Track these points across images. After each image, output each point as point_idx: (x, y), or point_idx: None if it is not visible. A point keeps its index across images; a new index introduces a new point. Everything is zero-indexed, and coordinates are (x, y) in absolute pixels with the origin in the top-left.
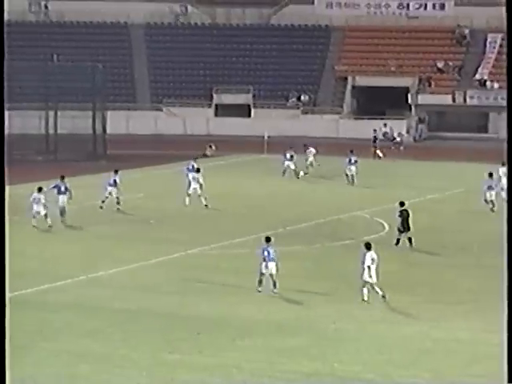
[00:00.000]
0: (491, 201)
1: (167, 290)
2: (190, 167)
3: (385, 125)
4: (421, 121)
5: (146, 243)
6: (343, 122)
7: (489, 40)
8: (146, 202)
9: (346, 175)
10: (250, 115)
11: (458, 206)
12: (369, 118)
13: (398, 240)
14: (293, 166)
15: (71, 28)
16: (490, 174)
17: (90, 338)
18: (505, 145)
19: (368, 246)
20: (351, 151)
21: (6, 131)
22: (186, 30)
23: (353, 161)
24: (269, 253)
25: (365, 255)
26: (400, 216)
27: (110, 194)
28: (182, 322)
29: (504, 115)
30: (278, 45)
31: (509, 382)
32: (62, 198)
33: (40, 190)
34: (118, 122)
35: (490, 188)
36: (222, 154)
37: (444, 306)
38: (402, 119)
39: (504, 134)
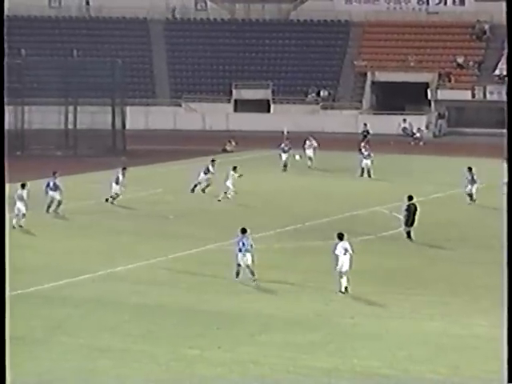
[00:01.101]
0: (469, 194)
1: (186, 285)
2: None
3: (404, 120)
4: (440, 116)
5: (165, 238)
6: (362, 118)
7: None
8: (164, 197)
9: (362, 169)
10: (269, 110)
11: (477, 201)
12: (388, 114)
13: (409, 233)
14: (284, 157)
15: (91, 23)
16: (470, 169)
17: (109, 333)
18: None
19: (340, 236)
20: (367, 143)
21: (26, 126)
22: (205, 25)
23: (366, 154)
24: (244, 244)
25: (336, 245)
26: (407, 210)
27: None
28: (200, 318)
29: None
30: (298, 40)
31: (509, 381)
32: (54, 194)
33: (23, 186)
34: (138, 118)
35: (469, 182)
36: (242, 150)
37: (462, 302)
38: (422, 115)
39: None
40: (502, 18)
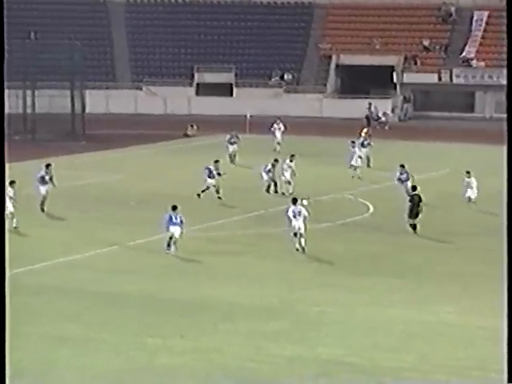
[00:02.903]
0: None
1: (147, 273)
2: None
3: (369, 104)
4: (406, 100)
5: (126, 225)
6: (327, 102)
7: (475, 18)
8: (125, 183)
9: (360, 157)
10: (232, 94)
11: (441, 187)
12: (353, 98)
13: (414, 226)
14: (231, 149)
15: (50, 5)
16: (402, 166)
17: (70, 322)
18: (491, 124)
19: (293, 201)
20: (366, 134)
21: None
22: (166, 7)
23: (366, 142)
24: (174, 218)
25: (288, 209)
26: (411, 201)
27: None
28: (162, 306)
29: (490, 94)
30: (261, 22)
31: (509, 381)
32: (45, 188)
33: (12, 183)
34: (97, 101)
35: (400, 180)
36: (204, 134)
37: (429, 289)
38: (387, 98)
39: (490, 112)
40: (468, 1)
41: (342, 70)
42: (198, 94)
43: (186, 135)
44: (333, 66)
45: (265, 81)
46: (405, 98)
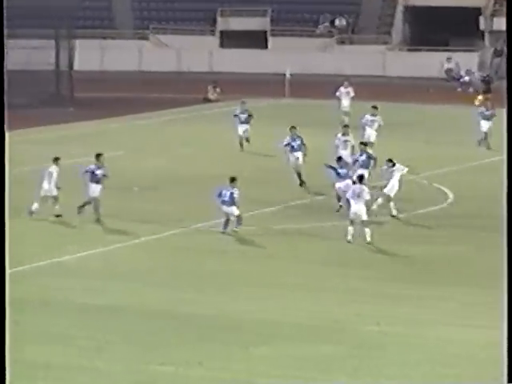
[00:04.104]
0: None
1: (154, 280)
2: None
3: (448, 59)
4: (497, 53)
5: (126, 218)
6: (392, 56)
7: None
8: (126, 162)
9: (485, 134)
10: (266, 46)
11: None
12: (427, 50)
13: None
14: (240, 131)
15: None
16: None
17: (54, 345)
18: None
19: (360, 179)
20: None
21: None
22: None
23: (488, 113)
24: (229, 193)
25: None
26: None
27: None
28: (174, 324)
29: None
30: None
31: (509, 382)
32: (98, 188)
33: (56, 160)
34: (90, 55)
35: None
36: (230, 99)
37: None
38: (472, 51)
39: None
40: None
41: (412, 13)
42: (221, 45)
43: (207, 99)
44: (400, 8)
45: (310, 28)
46: (495, 50)
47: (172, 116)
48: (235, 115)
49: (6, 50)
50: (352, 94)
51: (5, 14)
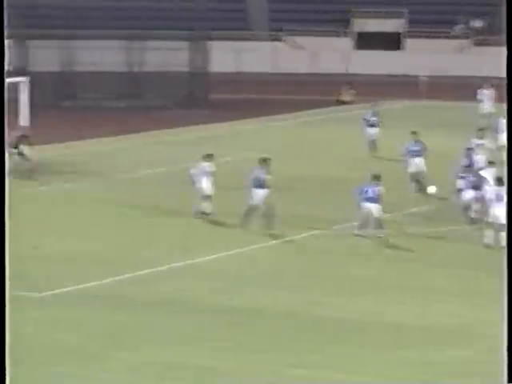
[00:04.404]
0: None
1: (286, 283)
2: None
3: None
4: None
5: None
6: None
7: None
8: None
9: None
10: (401, 47)
11: None
12: None
13: None
14: (370, 134)
15: None
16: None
17: (184, 346)
18: None
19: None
20: None
21: (78, 68)
22: None
23: None
24: (371, 191)
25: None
26: None
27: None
28: (309, 327)
29: None
30: None
31: (509, 382)
32: (262, 192)
33: (209, 157)
34: (225, 57)
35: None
36: (364, 100)
37: None
38: None
39: None
40: None
41: None
42: (356, 46)
43: (341, 101)
44: None
45: (446, 29)
46: None
47: (306, 118)
48: (364, 118)
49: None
50: (493, 96)
51: (5, 15)
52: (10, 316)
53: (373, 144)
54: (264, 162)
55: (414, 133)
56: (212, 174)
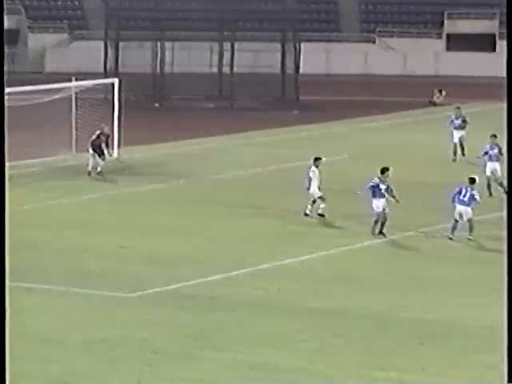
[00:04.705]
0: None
1: (378, 285)
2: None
3: None
4: None
5: (350, 220)
6: None
7: None
8: (350, 165)
9: None
10: (495, 49)
11: None
12: None
13: None
14: (456, 137)
15: None
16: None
17: (274, 348)
18: None
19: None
20: None
21: (167, 69)
22: None
23: None
24: (464, 192)
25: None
26: None
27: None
28: (397, 329)
29: None
30: None
31: (509, 382)
32: (381, 203)
33: (317, 160)
34: (316, 58)
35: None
36: (456, 102)
37: None
38: None
39: None
40: None
41: None
42: (448, 48)
43: (432, 103)
44: None
45: None
46: None
47: (397, 120)
48: (451, 121)
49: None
50: None
51: (5, 14)
52: (96, 315)
53: (457, 146)
54: (385, 171)
55: (494, 136)
56: (320, 177)
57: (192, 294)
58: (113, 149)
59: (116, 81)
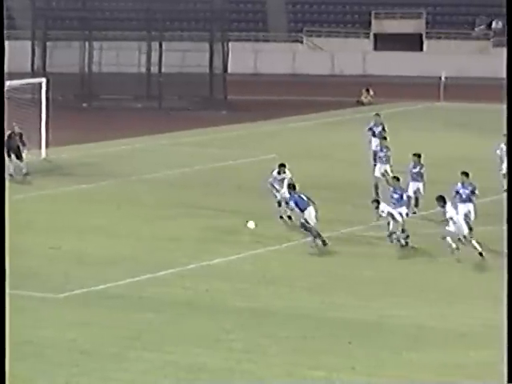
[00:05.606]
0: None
1: (306, 284)
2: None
3: None
4: None
5: (278, 222)
6: None
7: None
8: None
9: None
10: (421, 48)
11: None
12: None
13: None
14: (374, 145)
15: None
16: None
17: (203, 348)
18: None
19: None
20: None
21: (95, 69)
22: None
23: None
24: (462, 190)
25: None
26: None
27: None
28: (326, 328)
29: None
30: None
31: (509, 381)
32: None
33: (281, 167)
34: (244, 58)
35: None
36: (383, 102)
37: None
38: None
39: None
40: None
41: None
42: (376, 48)
43: (360, 102)
44: None
45: (466, 30)
46: None
47: (325, 119)
48: (369, 128)
49: (163, 53)
50: None
51: (4, 15)
52: (24, 316)
53: (377, 154)
54: (396, 180)
55: (418, 156)
56: (289, 182)
57: (121, 294)
58: (40, 148)
59: (44, 80)
